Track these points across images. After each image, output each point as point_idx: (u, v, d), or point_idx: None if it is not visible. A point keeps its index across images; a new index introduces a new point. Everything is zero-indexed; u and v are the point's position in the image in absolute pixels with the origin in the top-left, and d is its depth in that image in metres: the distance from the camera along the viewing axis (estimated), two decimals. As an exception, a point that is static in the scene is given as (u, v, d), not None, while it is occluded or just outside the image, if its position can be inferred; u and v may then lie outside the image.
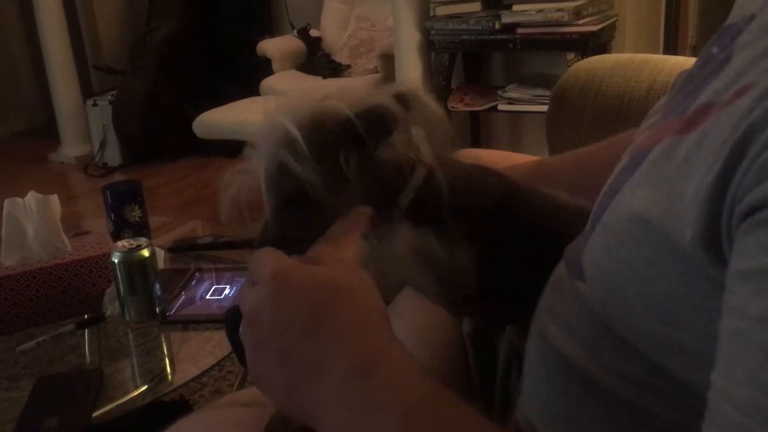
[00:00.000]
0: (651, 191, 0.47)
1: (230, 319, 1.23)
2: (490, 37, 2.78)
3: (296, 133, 0.59)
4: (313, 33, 3.90)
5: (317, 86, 3.47)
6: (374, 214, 0.65)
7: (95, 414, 1.09)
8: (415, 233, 0.64)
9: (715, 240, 0.41)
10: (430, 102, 0.63)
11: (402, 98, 0.61)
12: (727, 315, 0.40)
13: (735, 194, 0.39)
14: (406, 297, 0.86)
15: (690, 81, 0.56)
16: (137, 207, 1.62)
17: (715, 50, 0.53)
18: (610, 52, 2.76)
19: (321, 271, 0.54)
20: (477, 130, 3.31)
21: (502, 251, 0.68)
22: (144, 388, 1.19)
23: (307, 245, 0.61)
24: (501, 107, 2.93)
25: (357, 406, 0.49)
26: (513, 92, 2.90)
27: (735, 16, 0.55)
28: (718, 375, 0.39)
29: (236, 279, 1.48)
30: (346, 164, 0.60)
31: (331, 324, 0.51)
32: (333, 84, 3.48)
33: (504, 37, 2.76)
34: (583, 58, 1.68)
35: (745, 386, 0.37)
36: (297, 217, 0.62)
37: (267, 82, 3.58)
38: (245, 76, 3.80)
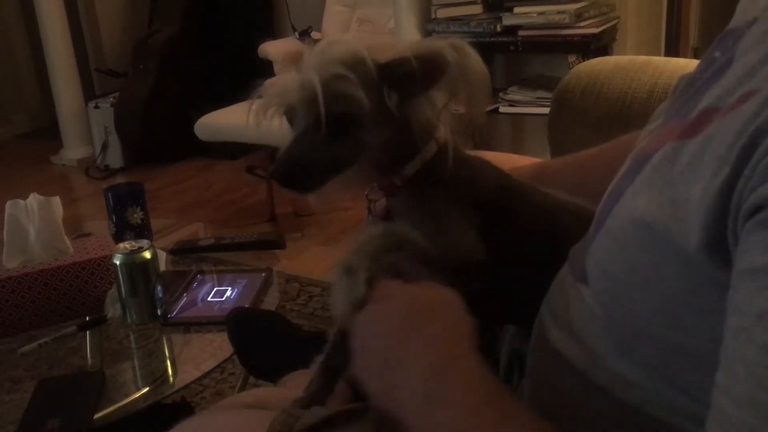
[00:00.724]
0: (654, 196, 0.47)
1: (232, 321, 1.23)
2: (492, 39, 2.78)
3: (364, 52, 0.60)
4: (315, 35, 3.90)
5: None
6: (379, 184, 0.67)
7: (97, 416, 1.09)
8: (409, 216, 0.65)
9: (721, 244, 0.41)
10: (477, 59, 0.63)
11: (455, 48, 0.61)
12: (731, 313, 0.40)
13: (741, 195, 0.40)
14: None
15: (691, 85, 0.56)
16: (139, 209, 1.62)
17: (717, 54, 0.53)
18: (611, 55, 2.76)
19: (415, 290, 0.61)
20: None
21: (500, 247, 0.68)
22: (145, 390, 1.19)
23: (325, 178, 0.63)
24: (502, 109, 2.93)
25: (432, 399, 0.55)
26: (514, 94, 2.90)
27: (737, 20, 0.55)
28: (721, 373, 0.39)
29: (237, 281, 1.48)
30: (389, 98, 0.61)
31: (417, 334, 0.58)
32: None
33: (505, 39, 2.76)
34: (584, 60, 1.68)
35: (744, 382, 0.37)
36: (330, 139, 0.62)
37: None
38: (247, 79, 3.79)
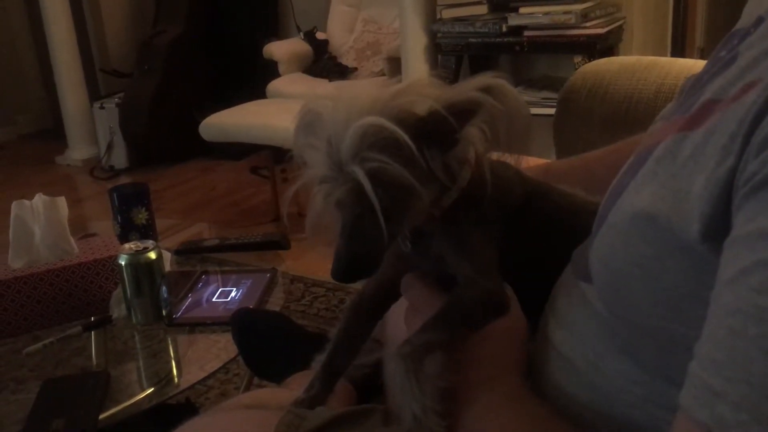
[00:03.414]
0: (657, 188, 0.47)
1: (236, 321, 1.23)
2: (497, 39, 2.78)
3: (404, 136, 0.56)
4: (320, 36, 3.91)
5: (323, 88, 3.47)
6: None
7: (102, 416, 1.09)
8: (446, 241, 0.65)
9: (722, 232, 0.41)
10: (515, 94, 0.61)
11: (488, 90, 0.59)
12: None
13: (741, 176, 0.40)
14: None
15: (697, 82, 0.56)
16: (144, 209, 1.62)
17: (723, 53, 0.54)
18: (617, 55, 2.76)
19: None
20: (483, 133, 3.30)
21: (521, 248, 0.67)
22: (150, 390, 1.19)
23: (383, 255, 0.61)
24: (507, 110, 2.92)
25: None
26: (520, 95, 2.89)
27: (743, 21, 0.55)
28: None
29: (242, 281, 1.48)
30: (432, 161, 0.59)
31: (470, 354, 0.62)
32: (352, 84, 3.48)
33: (511, 39, 2.75)
34: (590, 61, 1.67)
35: (706, 341, 0.40)
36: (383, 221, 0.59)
37: (273, 85, 3.59)
38: (251, 79, 3.81)
